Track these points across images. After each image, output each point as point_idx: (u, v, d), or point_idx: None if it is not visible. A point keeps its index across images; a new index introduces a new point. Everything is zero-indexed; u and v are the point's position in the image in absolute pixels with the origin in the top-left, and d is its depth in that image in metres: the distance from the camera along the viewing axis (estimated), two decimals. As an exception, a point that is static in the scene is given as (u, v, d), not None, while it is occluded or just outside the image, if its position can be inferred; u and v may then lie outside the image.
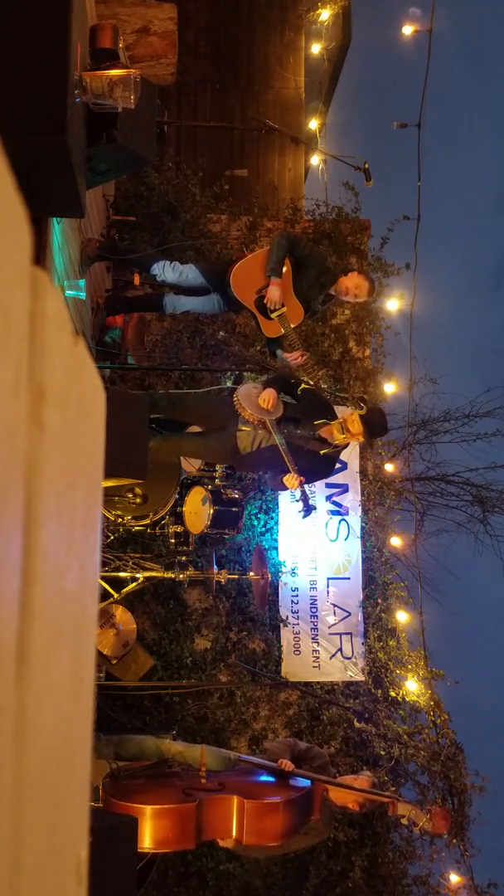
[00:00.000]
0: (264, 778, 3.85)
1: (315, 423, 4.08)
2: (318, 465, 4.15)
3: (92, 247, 4.36)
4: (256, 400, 4.05)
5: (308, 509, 4.02)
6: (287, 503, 5.97)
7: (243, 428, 4.13)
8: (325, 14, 7.88)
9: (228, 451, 4.25)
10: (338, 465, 6.09)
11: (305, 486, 4.00)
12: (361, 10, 8.79)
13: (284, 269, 4.19)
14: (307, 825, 3.83)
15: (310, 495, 4.17)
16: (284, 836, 3.71)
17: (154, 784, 3.66)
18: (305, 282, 4.28)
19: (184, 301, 4.60)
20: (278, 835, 3.66)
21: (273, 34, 7.91)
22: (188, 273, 4.42)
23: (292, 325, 4.18)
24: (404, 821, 4.00)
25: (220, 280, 4.35)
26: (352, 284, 4.31)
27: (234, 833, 3.58)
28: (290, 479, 3.94)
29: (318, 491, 6.01)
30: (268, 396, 4.00)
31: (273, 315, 4.15)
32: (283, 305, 4.14)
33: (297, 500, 4.06)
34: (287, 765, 3.85)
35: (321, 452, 4.08)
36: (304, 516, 4.07)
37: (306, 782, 3.81)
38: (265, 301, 4.14)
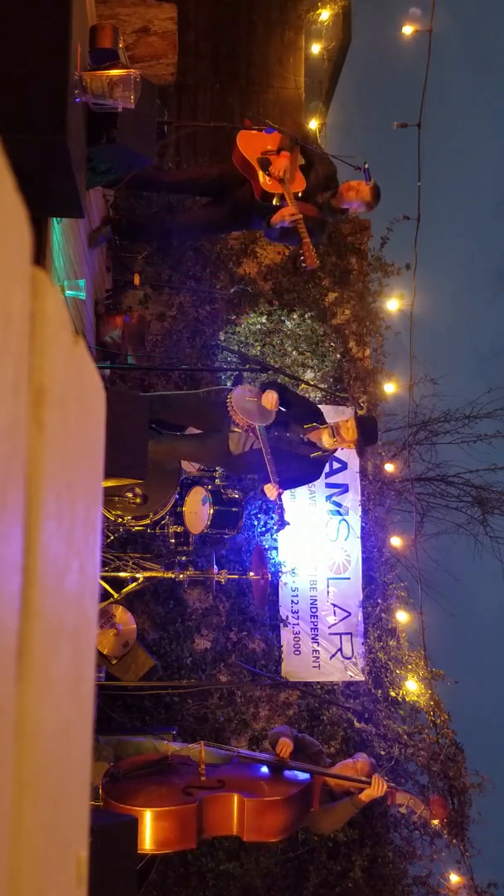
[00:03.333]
0: (264, 773, 3.85)
1: (304, 426, 4.08)
2: (306, 468, 4.16)
3: (101, 229, 4.47)
4: (248, 405, 4.06)
5: (282, 524, 3.98)
6: (287, 503, 5.96)
7: (235, 429, 4.15)
8: (325, 14, 7.88)
9: (223, 453, 4.26)
10: (338, 466, 6.10)
11: (283, 499, 3.98)
12: (361, 10, 8.78)
13: (295, 152, 4.26)
14: (311, 814, 3.84)
15: (286, 509, 4.12)
16: (285, 832, 3.72)
17: (153, 784, 3.66)
18: (313, 177, 4.31)
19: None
20: (279, 831, 3.67)
21: (273, 34, 7.91)
22: None
23: (292, 191, 4.17)
24: (403, 809, 4.02)
25: (220, 180, 4.48)
26: (354, 183, 4.37)
27: (234, 830, 3.58)
28: (269, 489, 3.95)
29: (318, 491, 6.01)
30: (271, 398, 4.00)
31: (275, 175, 4.14)
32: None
33: (274, 513, 4.06)
34: (287, 746, 3.85)
35: (311, 456, 4.08)
36: (278, 530, 4.09)
37: (306, 776, 3.81)
38: (271, 168, 4.15)
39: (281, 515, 3.96)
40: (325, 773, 3.88)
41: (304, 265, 4.06)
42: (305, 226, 4.09)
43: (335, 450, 4.20)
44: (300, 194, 4.25)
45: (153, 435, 4.19)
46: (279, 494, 3.92)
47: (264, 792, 3.63)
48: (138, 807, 3.39)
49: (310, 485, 5.94)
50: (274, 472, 3.92)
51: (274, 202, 4.20)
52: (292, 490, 5.99)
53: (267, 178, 4.17)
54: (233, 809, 3.55)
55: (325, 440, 4.02)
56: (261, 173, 4.20)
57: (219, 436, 4.22)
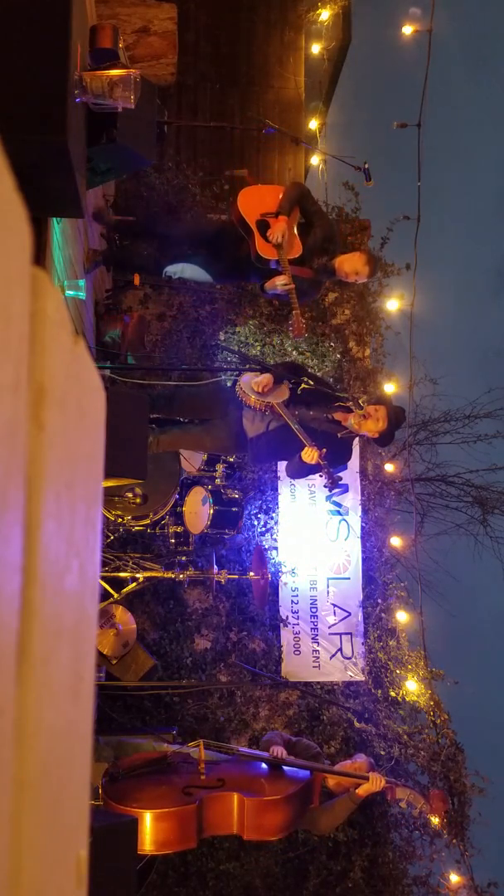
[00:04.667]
0: (263, 770, 3.84)
1: (329, 405, 3.94)
2: (337, 447, 3.92)
3: (95, 257, 4.43)
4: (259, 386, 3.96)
5: (334, 482, 3.69)
6: (287, 503, 5.97)
7: (248, 414, 4.05)
8: (325, 14, 7.88)
9: (234, 438, 4.13)
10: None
11: (326, 459, 3.71)
12: (361, 10, 8.78)
13: (294, 215, 4.21)
14: (309, 811, 3.84)
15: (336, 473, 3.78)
16: (285, 830, 3.72)
17: (153, 784, 3.65)
18: (311, 240, 4.25)
19: (188, 270, 4.62)
20: (279, 829, 3.67)
21: (273, 34, 7.91)
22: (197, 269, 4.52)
23: (287, 258, 4.13)
24: (403, 804, 4.01)
25: (216, 234, 4.43)
26: (350, 270, 4.30)
27: (234, 829, 3.58)
28: (308, 453, 3.68)
29: (317, 491, 6.01)
30: (262, 380, 3.88)
31: (272, 240, 4.10)
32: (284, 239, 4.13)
33: (321, 475, 3.72)
34: (279, 751, 3.84)
35: (338, 435, 3.91)
36: (330, 490, 3.70)
37: (305, 773, 3.81)
38: (269, 233, 4.10)
39: (330, 476, 3.68)
40: (324, 769, 3.87)
41: (291, 333, 4.07)
42: (300, 287, 4.10)
43: (357, 434, 4.01)
44: (297, 257, 4.22)
45: (153, 432, 4.17)
46: (321, 455, 3.66)
47: (264, 791, 3.62)
48: (138, 808, 3.38)
49: (310, 485, 5.94)
50: (308, 438, 3.71)
51: (270, 266, 4.20)
52: (292, 486, 5.99)
53: (264, 242, 4.15)
54: (233, 808, 3.55)
55: (353, 421, 3.86)
56: (258, 237, 4.17)
57: (225, 420, 4.11)
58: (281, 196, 4.20)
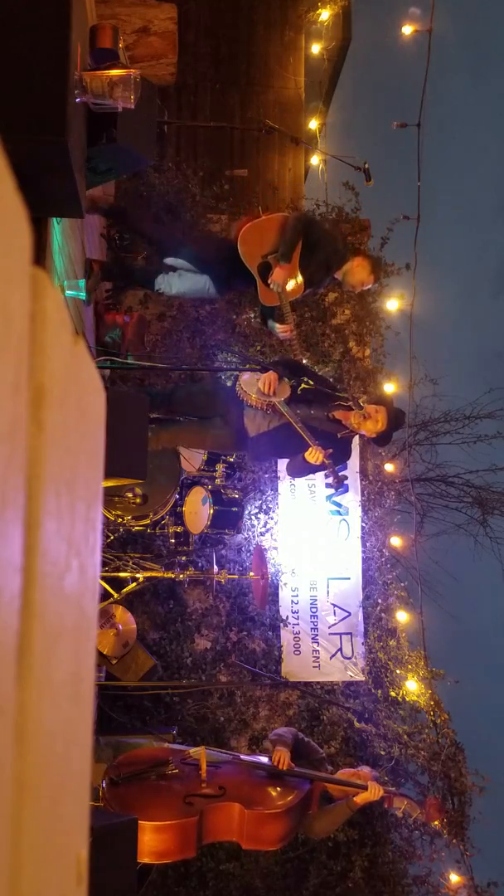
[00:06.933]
0: (265, 777, 3.82)
1: (329, 404, 3.94)
2: (337, 446, 3.90)
3: (97, 274, 4.43)
4: (258, 386, 3.96)
5: (340, 481, 3.73)
6: (287, 502, 5.97)
7: (249, 412, 4.03)
8: (325, 14, 7.88)
9: (235, 436, 4.10)
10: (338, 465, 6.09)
11: (331, 459, 3.72)
12: (361, 10, 8.79)
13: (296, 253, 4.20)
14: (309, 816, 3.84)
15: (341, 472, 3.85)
16: (284, 840, 3.72)
17: (153, 792, 3.59)
18: (314, 263, 4.25)
19: (175, 283, 4.59)
20: (278, 840, 3.67)
21: (273, 34, 7.91)
22: (190, 276, 4.48)
23: (290, 299, 4.17)
24: (399, 812, 4.03)
25: (215, 257, 4.38)
26: (356, 282, 4.41)
27: (234, 837, 3.58)
28: (313, 453, 3.66)
29: (318, 490, 6.02)
30: (268, 378, 3.86)
31: (273, 289, 4.13)
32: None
33: (326, 475, 3.74)
34: (283, 761, 3.80)
35: (339, 435, 3.91)
36: (337, 489, 3.79)
37: (306, 783, 3.80)
38: (269, 280, 4.10)
39: (335, 475, 3.69)
40: (326, 778, 3.87)
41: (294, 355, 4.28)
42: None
43: (356, 433, 4.01)
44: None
45: (152, 430, 4.16)
46: (327, 455, 3.65)
47: (265, 802, 3.60)
48: (139, 820, 3.35)
49: (310, 485, 5.94)
50: (311, 437, 3.69)
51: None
52: (292, 486, 5.99)
53: (266, 289, 4.15)
54: (233, 818, 3.53)
55: (353, 421, 3.86)
56: (260, 284, 4.16)
57: (226, 418, 4.10)
58: (282, 233, 4.13)
